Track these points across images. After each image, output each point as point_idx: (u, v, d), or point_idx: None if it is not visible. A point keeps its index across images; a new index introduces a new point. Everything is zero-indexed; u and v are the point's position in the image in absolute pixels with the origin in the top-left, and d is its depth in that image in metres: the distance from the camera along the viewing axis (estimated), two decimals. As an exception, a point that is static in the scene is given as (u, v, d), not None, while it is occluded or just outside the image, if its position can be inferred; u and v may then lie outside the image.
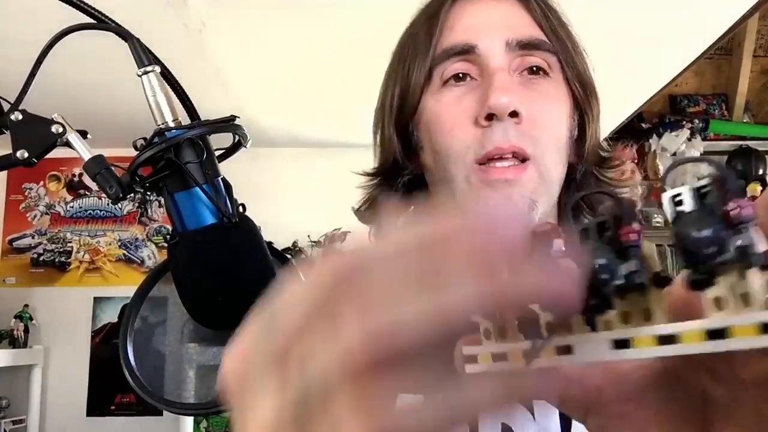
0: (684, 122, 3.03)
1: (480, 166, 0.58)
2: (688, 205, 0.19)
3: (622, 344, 0.20)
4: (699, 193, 0.19)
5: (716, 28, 2.02)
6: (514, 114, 0.57)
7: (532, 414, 0.54)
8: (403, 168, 0.66)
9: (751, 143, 3.12)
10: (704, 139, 3.07)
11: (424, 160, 0.64)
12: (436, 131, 0.61)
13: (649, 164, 3.10)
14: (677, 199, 0.19)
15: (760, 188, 2.94)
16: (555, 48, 0.62)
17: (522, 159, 0.58)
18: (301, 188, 3.10)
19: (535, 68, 0.61)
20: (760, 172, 3.06)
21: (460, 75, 0.61)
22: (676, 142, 2.99)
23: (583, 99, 0.64)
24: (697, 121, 3.06)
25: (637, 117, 3.00)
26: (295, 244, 3.00)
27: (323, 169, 2.98)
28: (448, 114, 0.60)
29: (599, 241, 0.20)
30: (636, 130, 3.10)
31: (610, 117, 2.86)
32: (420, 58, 0.62)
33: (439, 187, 0.63)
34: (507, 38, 0.60)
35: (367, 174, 0.70)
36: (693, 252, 0.18)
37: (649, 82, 2.48)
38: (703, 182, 0.19)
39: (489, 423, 0.52)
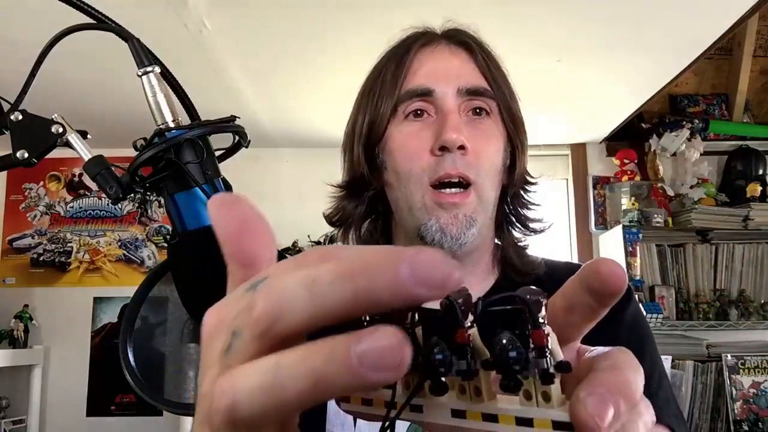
0: (684, 122, 3.02)
1: (433, 189, 0.73)
2: (505, 324, 0.24)
3: (458, 413, 0.25)
4: (511, 317, 0.24)
5: (716, 28, 2.02)
6: (461, 147, 0.71)
7: None
8: (369, 183, 0.79)
9: (751, 143, 3.12)
10: (704, 139, 3.06)
11: (387, 178, 0.78)
12: (400, 156, 0.75)
13: (649, 164, 3.09)
14: (496, 315, 0.24)
15: (760, 188, 2.93)
16: (495, 95, 0.77)
17: (466, 184, 0.73)
18: (301, 188, 3.09)
19: (478, 110, 0.76)
20: (760, 172, 3.06)
21: (419, 112, 0.75)
22: (676, 142, 2.98)
23: (515, 135, 0.79)
24: (697, 121, 3.05)
25: (637, 117, 3.00)
26: (295, 244, 2.99)
27: (323, 169, 2.98)
28: (410, 144, 0.75)
29: (437, 336, 0.24)
30: (636, 130, 3.10)
31: (610, 117, 2.86)
32: (387, 96, 0.76)
33: (399, 201, 0.76)
34: (458, 86, 0.75)
35: (337, 186, 0.83)
36: (505, 366, 0.23)
37: (649, 82, 2.48)
38: (514, 310, 0.24)
39: None
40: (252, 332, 0.22)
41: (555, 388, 0.23)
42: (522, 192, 0.83)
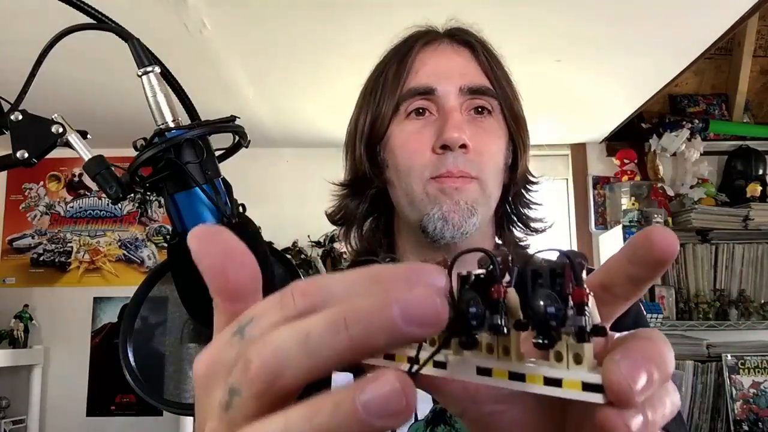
0: (684, 122, 3.02)
1: (434, 180, 0.72)
2: (545, 282, 0.24)
3: (484, 371, 0.25)
4: (553, 274, 0.24)
5: (716, 28, 2.02)
6: (463, 146, 0.71)
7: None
8: (371, 181, 0.79)
9: (751, 143, 3.11)
10: (704, 139, 3.06)
11: (388, 175, 0.78)
12: (401, 154, 0.75)
13: (649, 164, 3.09)
14: (537, 272, 0.25)
15: (760, 188, 2.93)
16: (497, 94, 0.77)
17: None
18: (301, 188, 3.09)
19: (480, 108, 0.76)
20: (760, 172, 3.05)
21: (421, 110, 0.75)
22: (676, 142, 2.98)
23: (516, 134, 0.79)
24: (697, 121, 3.04)
25: (637, 117, 3.00)
26: (295, 244, 2.99)
27: (323, 169, 2.98)
28: (411, 141, 0.74)
29: (474, 291, 0.25)
30: (636, 130, 3.10)
31: (610, 117, 2.86)
32: (389, 95, 0.76)
33: (400, 197, 0.77)
34: (460, 84, 0.74)
35: (339, 184, 0.84)
36: (541, 321, 0.24)
37: (649, 82, 2.48)
38: (557, 266, 0.24)
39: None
40: (251, 391, 0.22)
41: (588, 349, 0.23)
42: (524, 191, 0.83)
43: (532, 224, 0.83)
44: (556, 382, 0.24)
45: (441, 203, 0.72)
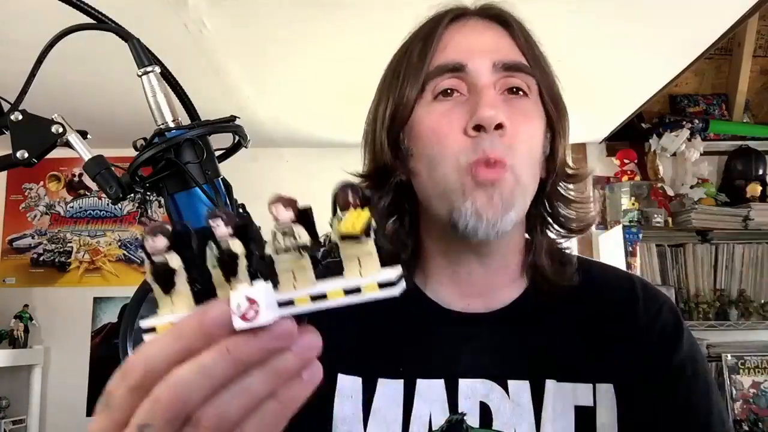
0: (684, 122, 3.02)
1: (469, 168, 0.64)
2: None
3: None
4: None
5: (716, 28, 2.02)
6: (499, 126, 0.63)
7: (507, 392, 0.66)
8: (392, 172, 0.71)
9: (751, 143, 3.11)
10: (704, 139, 3.06)
11: (414, 165, 0.69)
12: (429, 139, 0.66)
13: (649, 164, 3.09)
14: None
15: (760, 188, 2.93)
16: (534, 72, 0.69)
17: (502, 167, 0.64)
18: (301, 188, 3.09)
19: (515, 89, 0.67)
20: (760, 172, 3.05)
21: (449, 91, 0.67)
22: (676, 142, 2.98)
23: (555, 118, 0.71)
24: (697, 121, 3.04)
25: (637, 117, 3.00)
26: (295, 244, 2.99)
27: (323, 169, 2.98)
28: (440, 124, 0.66)
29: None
30: (636, 130, 3.10)
31: (610, 117, 2.86)
32: (414, 74, 0.68)
33: (428, 189, 0.68)
34: (494, 60, 0.66)
35: (358, 176, 0.75)
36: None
37: (649, 82, 2.48)
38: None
39: (468, 402, 0.66)
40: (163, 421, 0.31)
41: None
42: (561, 187, 0.73)
43: (570, 224, 0.73)
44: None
45: (475, 198, 0.63)
